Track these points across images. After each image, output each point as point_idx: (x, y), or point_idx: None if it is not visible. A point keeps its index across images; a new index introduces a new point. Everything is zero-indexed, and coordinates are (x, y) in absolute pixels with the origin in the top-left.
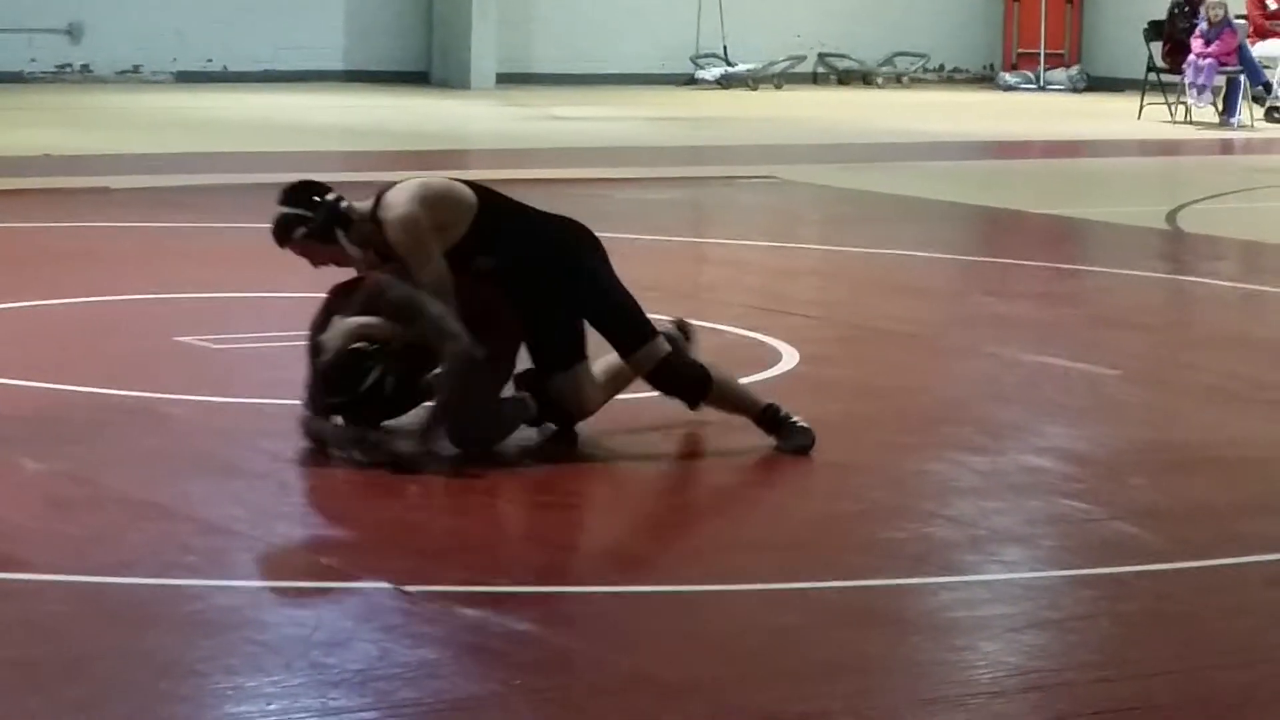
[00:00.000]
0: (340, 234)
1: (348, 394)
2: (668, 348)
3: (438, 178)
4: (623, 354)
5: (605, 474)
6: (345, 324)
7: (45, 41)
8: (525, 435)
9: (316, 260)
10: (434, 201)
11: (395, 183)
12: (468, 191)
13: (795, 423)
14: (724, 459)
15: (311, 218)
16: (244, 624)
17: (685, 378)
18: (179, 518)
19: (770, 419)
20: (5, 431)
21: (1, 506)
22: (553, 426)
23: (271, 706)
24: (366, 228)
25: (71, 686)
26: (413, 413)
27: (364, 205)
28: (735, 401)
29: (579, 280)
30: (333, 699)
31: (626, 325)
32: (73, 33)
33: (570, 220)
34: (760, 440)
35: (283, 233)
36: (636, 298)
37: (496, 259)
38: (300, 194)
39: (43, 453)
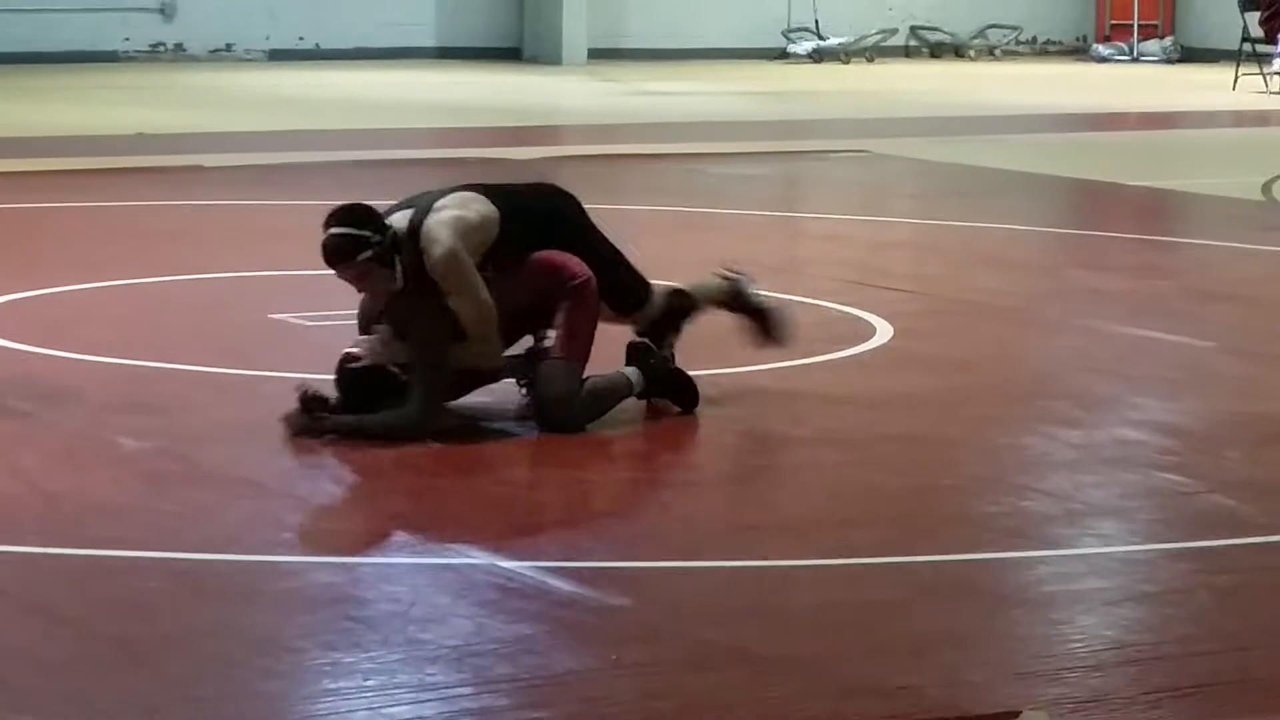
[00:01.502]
0: (396, 259)
1: (359, 399)
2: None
3: (467, 203)
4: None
5: (697, 448)
6: (393, 341)
7: (139, 21)
8: (624, 409)
9: (364, 283)
10: (472, 230)
11: (430, 201)
12: (490, 206)
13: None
14: (817, 433)
15: (380, 241)
16: (341, 600)
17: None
18: (275, 494)
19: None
20: (101, 409)
21: (99, 484)
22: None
23: (369, 682)
24: (409, 256)
25: (169, 663)
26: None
27: (402, 230)
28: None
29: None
30: (429, 674)
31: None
32: (165, 12)
33: (546, 185)
34: (857, 415)
35: (347, 252)
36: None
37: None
38: (359, 216)
39: (139, 430)
